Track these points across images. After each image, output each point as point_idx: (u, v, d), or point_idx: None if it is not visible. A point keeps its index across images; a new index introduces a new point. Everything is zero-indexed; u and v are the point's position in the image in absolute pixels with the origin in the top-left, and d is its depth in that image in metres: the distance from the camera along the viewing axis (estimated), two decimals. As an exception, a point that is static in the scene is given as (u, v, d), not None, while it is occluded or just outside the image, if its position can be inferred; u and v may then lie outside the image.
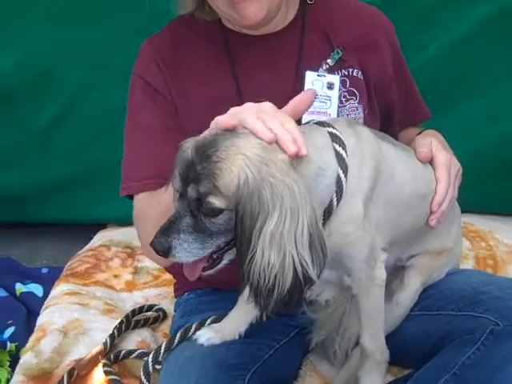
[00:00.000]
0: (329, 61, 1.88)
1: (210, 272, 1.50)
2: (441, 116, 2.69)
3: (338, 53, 1.89)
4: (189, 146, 1.43)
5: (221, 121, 1.42)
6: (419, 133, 1.95)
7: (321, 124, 1.58)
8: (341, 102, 1.88)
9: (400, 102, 2.02)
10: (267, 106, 1.46)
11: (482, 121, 2.90)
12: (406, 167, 1.70)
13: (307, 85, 1.86)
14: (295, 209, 1.34)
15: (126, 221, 3.00)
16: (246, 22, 1.78)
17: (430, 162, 1.77)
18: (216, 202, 1.36)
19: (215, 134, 1.40)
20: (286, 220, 1.33)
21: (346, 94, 1.89)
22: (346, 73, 1.89)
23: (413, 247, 1.81)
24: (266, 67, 1.87)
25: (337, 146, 1.52)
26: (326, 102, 1.87)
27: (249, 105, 1.47)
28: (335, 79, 1.87)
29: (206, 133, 1.44)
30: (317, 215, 1.40)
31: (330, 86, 1.87)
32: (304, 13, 1.93)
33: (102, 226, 3.16)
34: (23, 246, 3.22)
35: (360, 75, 1.91)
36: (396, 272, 1.81)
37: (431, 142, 1.78)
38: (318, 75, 1.86)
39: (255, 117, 1.41)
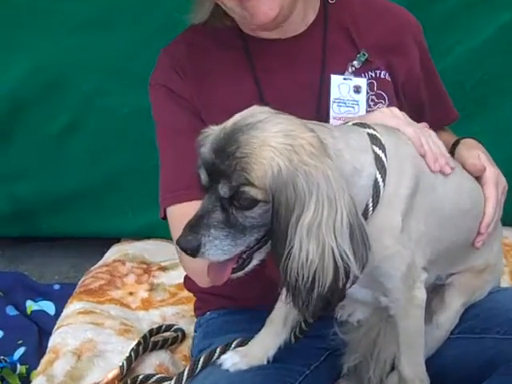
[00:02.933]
0: (355, 63, 1.81)
1: (240, 274, 1.41)
2: (471, 120, 2.65)
3: (364, 54, 1.81)
4: (206, 144, 1.37)
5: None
6: (456, 141, 1.86)
7: (360, 125, 1.50)
8: (369, 105, 1.81)
9: (429, 103, 1.95)
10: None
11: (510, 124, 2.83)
12: (450, 178, 1.60)
13: (333, 89, 1.79)
14: (332, 196, 1.27)
15: (140, 235, 3.02)
16: (257, 21, 1.68)
17: (477, 176, 1.71)
18: (252, 192, 1.29)
19: (227, 130, 1.34)
20: (323, 209, 1.26)
21: (373, 97, 1.82)
22: (374, 75, 1.82)
23: (454, 265, 1.72)
24: (288, 72, 1.79)
25: (376, 149, 1.44)
26: (353, 107, 1.79)
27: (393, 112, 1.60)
28: (362, 82, 1.80)
29: (220, 126, 1.38)
30: (355, 204, 1.32)
31: (357, 90, 1.80)
32: (325, 13, 1.85)
33: (115, 240, 3.07)
34: (33, 261, 3.16)
35: (388, 77, 1.84)
36: (435, 291, 1.72)
37: (479, 156, 1.73)
38: (344, 78, 1.80)
39: (412, 129, 1.54)
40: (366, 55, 1.80)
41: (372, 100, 1.81)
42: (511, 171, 2.67)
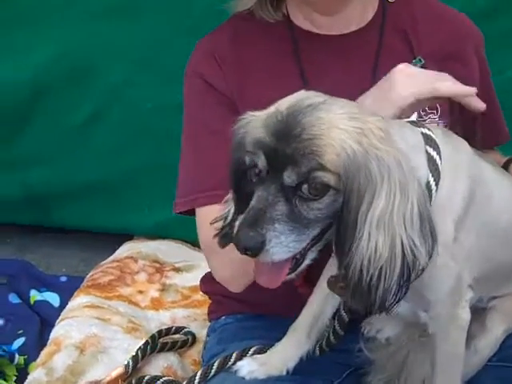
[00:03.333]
0: None
1: (292, 275, 1.27)
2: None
3: (420, 60, 1.71)
4: (251, 130, 1.25)
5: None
6: (509, 160, 1.76)
7: (413, 123, 1.39)
8: (420, 116, 1.70)
9: (482, 119, 1.82)
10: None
11: None
12: (508, 192, 1.50)
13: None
14: (404, 183, 1.17)
15: (154, 233, 2.94)
16: None
17: None
18: (325, 177, 1.16)
19: (284, 113, 1.22)
20: (395, 196, 1.16)
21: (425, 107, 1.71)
22: None
23: (499, 288, 1.60)
24: (338, 70, 1.70)
25: (430, 149, 1.33)
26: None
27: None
28: None
29: (270, 110, 1.26)
30: (425, 192, 1.23)
31: None
32: (384, 13, 1.76)
33: (127, 237, 3.00)
34: (42, 251, 3.09)
35: None
36: (476, 314, 1.57)
37: None
38: None
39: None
40: (423, 61, 1.71)
41: (423, 110, 1.71)
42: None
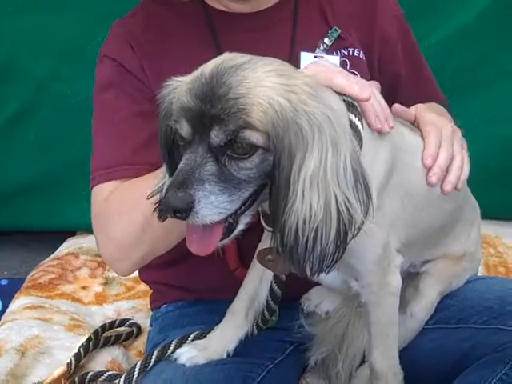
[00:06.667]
0: (326, 40, 1.72)
1: (226, 241, 1.24)
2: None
3: (336, 30, 1.72)
4: (178, 95, 1.22)
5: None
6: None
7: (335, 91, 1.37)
8: None
9: (408, 80, 1.84)
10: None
11: (486, 118, 2.72)
12: None
13: (303, 67, 1.64)
14: (336, 139, 1.15)
15: None
16: None
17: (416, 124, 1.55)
18: (252, 136, 1.14)
19: (208, 74, 1.20)
20: (327, 153, 1.14)
21: None
22: (346, 53, 1.73)
23: (429, 251, 1.61)
24: (255, 48, 1.63)
25: (352, 116, 1.31)
26: None
27: (327, 65, 1.38)
28: (335, 60, 1.70)
29: (195, 73, 1.23)
30: (357, 148, 1.21)
31: None
32: None
33: (70, 233, 2.94)
34: None
35: (362, 55, 1.75)
36: (409, 279, 1.61)
37: (417, 107, 1.58)
38: (315, 56, 1.70)
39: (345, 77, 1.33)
40: (339, 31, 1.71)
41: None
42: (484, 166, 2.65)
